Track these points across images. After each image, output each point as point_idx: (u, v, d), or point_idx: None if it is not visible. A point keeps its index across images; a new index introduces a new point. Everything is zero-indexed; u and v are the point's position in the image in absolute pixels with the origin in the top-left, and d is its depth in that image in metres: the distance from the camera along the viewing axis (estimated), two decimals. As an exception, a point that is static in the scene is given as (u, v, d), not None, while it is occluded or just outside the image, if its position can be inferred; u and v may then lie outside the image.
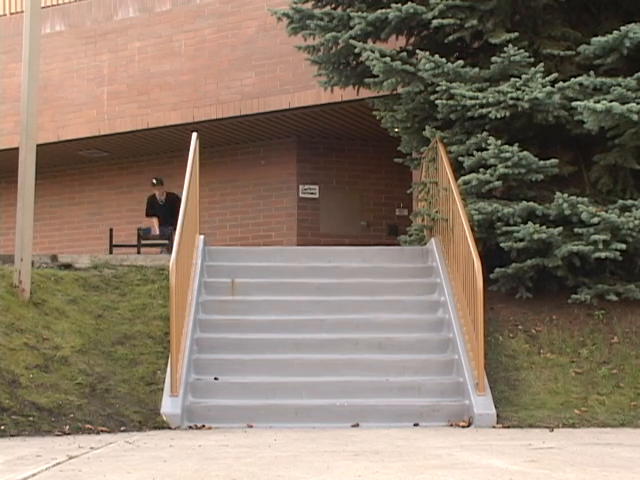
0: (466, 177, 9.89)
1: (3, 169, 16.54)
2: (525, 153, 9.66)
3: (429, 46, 10.67)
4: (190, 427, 7.80)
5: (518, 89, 9.72)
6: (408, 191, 12.37)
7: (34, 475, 5.01)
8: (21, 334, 8.47)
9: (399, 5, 10.35)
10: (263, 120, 14.88)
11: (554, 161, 9.76)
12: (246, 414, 7.98)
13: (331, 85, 11.73)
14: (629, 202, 9.50)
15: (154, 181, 14.60)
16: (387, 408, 8.12)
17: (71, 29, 16.33)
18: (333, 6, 11.57)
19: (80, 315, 9.21)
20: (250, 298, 9.59)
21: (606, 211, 9.34)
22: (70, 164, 17.61)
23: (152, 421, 7.70)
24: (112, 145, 16.49)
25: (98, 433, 7.23)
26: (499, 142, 9.72)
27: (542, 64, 9.85)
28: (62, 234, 17.87)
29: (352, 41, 10.60)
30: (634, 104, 9.11)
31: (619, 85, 9.43)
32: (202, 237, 10.40)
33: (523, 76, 9.76)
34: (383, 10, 10.49)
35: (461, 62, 10.10)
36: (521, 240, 9.49)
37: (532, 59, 9.95)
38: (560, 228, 9.37)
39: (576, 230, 9.39)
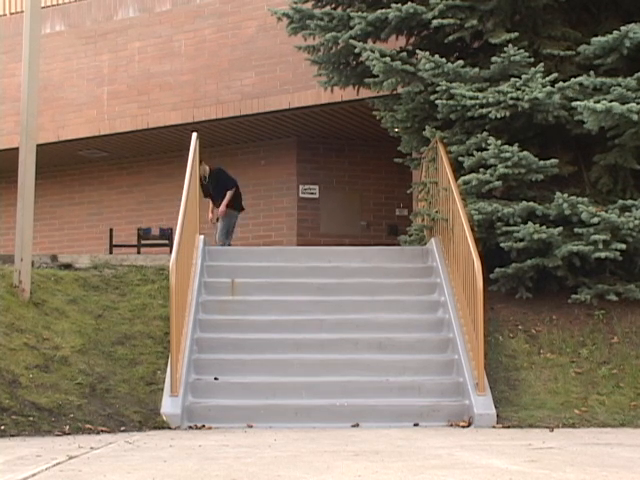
0: (466, 177, 9.89)
1: (3, 169, 16.55)
2: (525, 153, 9.66)
3: (429, 46, 10.67)
4: (190, 427, 7.80)
5: (518, 89, 9.73)
6: (408, 191, 12.37)
7: (34, 475, 5.01)
8: (21, 334, 8.47)
9: (399, 5, 10.35)
10: (263, 120, 14.89)
11: (554, 161, 9.76)
12: (246, 414, 7.98)
13: (331, 85, 11.74)
14: (629, 202, 9.50)
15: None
16: (387, 408, 8.12)
17: (71, 29, 16.33)
18: (333, 6, 11.58)
19: (80, 315, 9.21)
20: (250, 298, 9.59)
21: (606, 211, 9.34)
22: (70, 164, 17.62)
23: (152, 421, 7.70)
24: (112, 145, 16.49)
25: (98, 433, 7.23)
26: (499, 142, 9.73)
27: (542, 64, 9.85)
28: (62, 234, 17.88)
29: (352, 41, 10.60)
30: (634, 104, 9.11)
31: (619, 85, 9.43)
32: (202, 237, 10.40)
33: (523, 76, 9.76)
34: (383, 10, 10.49)
35: (461, 62, 10.10)
36: (521, 240, 9.49)
37: (532, 59, 9.95)
38: (560, 228, 9.37)
39: (576, 230, 9.40)
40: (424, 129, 10.62)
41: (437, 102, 10.11)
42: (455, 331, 8.92)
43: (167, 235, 14.20)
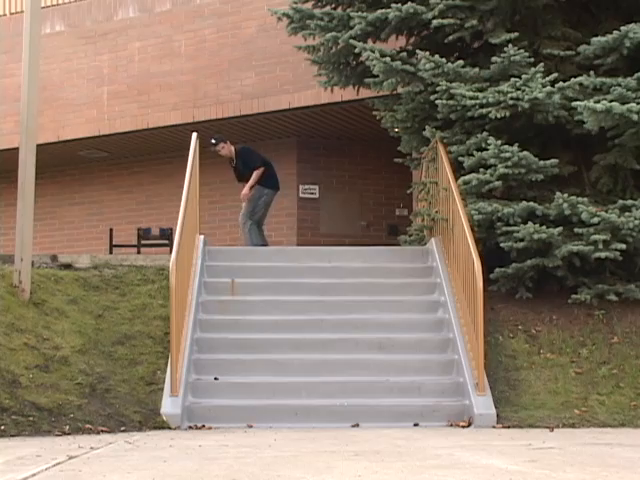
0: (466, 177, 9.89)
1: (3, 169, 16.54)
2: (525, 153, 9.66)
3: (429, 46, 10.66)
4: (190, 427, 7.80)
5: (518, 89, 9.72)
6: (408, 191, 12.37)
7: (34, 475, 5.01)
8: (21, 334, 8.47)
9: (399, 5, 10.34)
10: (263, 120, 14.88)
11: (554, 161, 9.76)
12: (246, 414, 7.98)
13: (331, 85, 11.73)
14: (629, 202, 9.50)
15: (212, 141, 12.51)
16: (387, 408, 8.12)
17: (71, 29, 16.33)
18: (333, 6, 11.57)
19: (80, 315, 9.21)
20: (250, 298, 9.59)
21: (606, 211, 9.34)
22: (70, 164, 17.61)
23: (152, 421, 7.70)
24: (112, 145, 16.49)
25: (98, 433, 7.23)
26: (499, 142, 9.72)
27: (542, 64, 9.85)
28: (62, 234, 17.87)
29: (352, 41, 10.60)
30: (634, 104, 9.11)
31: (619, 85, 9.43)
32: (202, 237, 10.40)
33: (523, 76, 9.75)
34: (383, 10, 10.49)
35: (461, 62, 10.10)
36: (521, 240, 9.49)
37: (532, 59, 9.95)
38: (560, 228, 9.37)
39: (576, 230, 9.39)
40: (424, 129, 10.62)
41: (437, 102, 10.11)
42: (455, 331, 8.92)
43: (167, 235, 14.19)
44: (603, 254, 9.22)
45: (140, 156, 17.10)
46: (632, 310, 9.51)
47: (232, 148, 12.58)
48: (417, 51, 10.39)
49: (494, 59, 9.99)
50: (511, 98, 9.68)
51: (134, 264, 10.60)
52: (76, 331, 8.88)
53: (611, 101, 9.19)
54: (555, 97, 9.58)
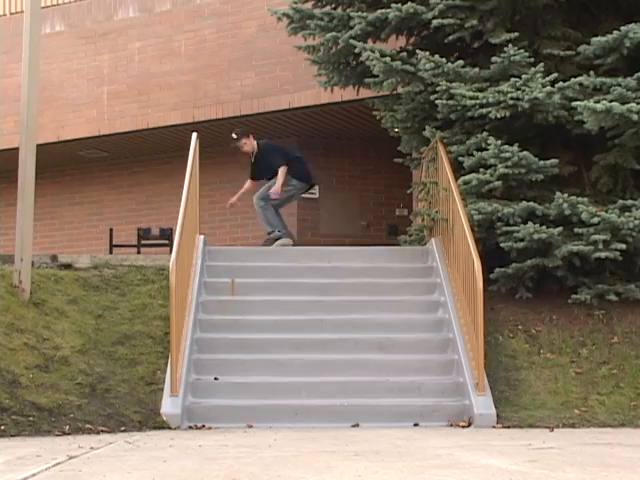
0: (466, 177, 9.89)
1: (3, 169, 16.54)
2: (525, 153, 9.66)
3: (429, 46, 10.66)
4: (190, 427, 7.80)
5: (518, 89, 9.72)
6: (408, 191, 12.37)
7: (34, 475, 5.01)
8: (21, 334, 8.47)
9: (399, 5, 10.34)
10: (263, 120, 14.88)
11: (554, 161, 9.76)
12: (246, 414, 7.98)
13: (331, 85, 11.73)
14: (629, 202, 9.50)
15: (233, 136, 11.90)
16: (387, 408, 8.12)
17: (71, 29, 16.32)
18: (333, 6, 11.57)
19: (80, 315, 9.21)
20: (250, 298, 9.59)
21: (606, 211, 9.34)
22: (70, 164, 17.60)
23: (152, 421, 7.70)
24: (112, 145, 16.48)
25: (98, 433, 7.22)
26: (499, 142, 9.72)
27: (542, 64, 9.85)
28: (62, 234, 17.86)
29: (352, 41, 10.59)
30: (634, 104, 9.11)
31: (619, 85, 9.43)
32: (202, 237, 10.40)
33: (523, 76, 9.75)
34: (383, 10, 10.48)
35: (461, 62, 10.10)
36: (521, 240, 9.49)
37: (532, 59, 9.95)
38: (560, 228, 9.37)
39: (576, 230, 9.40)
40: (424, 129, 10.62)
41: (437, 102, 10.11)
42: (455, 331, 8.92)
43: (167, 235, 14.18)
44: (603, 254, 9.22)
45: (140, 156, 17.09)
46: (632, 310, 9.51)
47: (255, 143, 12.05)
48: (417, 51, 10.38)
49: (494, 59, 9.99)
50: (511, 98, 9.68)
51: (134, 264, 10.60)
52: (76, 331, 8.88)
53: (611, 101, 9.19)
54: (555, 97, 9.58)
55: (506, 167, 9.64)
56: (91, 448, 6.24)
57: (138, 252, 13.99)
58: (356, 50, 10.62)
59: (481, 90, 9.95)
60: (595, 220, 9.22)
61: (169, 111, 15.25)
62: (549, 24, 10.46)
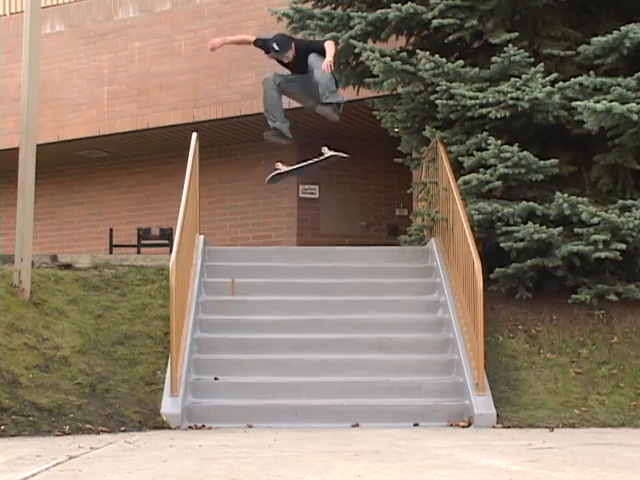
0: (466, 177, 9.89)
1: (3, 169, 16.54)
2: (525, 153, 9.66)
3: (429, 46, 10.66)
4: (190, 427, 7.80)
5: (518, 89, 9.72)
6: (408, 191, 12.37)
7: (34, 475, 5.01)
8: (21, 334, 8.47)
9: (399, 5, 10.34)
10: (263, 120, 14.81)
11: (554, 161, 9.76)
12: (246, 414, 7.98)
13: (331, 85, 11.71)
14: (629, 202, 9.50)
15: (275, 47, 9.66)
16: (387, 408, 8.12)
17: (71, 29, 16.32)
18: (333, 6, 11.57)
19: (80, 315, 9.21)
20: (250, 298, 9.59)
21: (606, 211, 9.34)
22: (70, 164, 17.61)
23: (152, 421, 7.70)
24: (112, 145, 16.48)
25: (98, 433, 7.23)
26: (499, 142, 9.72)
27: (542, 64, 9.85)
28: (62, 234, 17.87)
29: (352, 41, 10.59)
30: (634, 104, 9.11)
31: (619, 85, 9.43)
32: (202, 237, 10.40)
33: (523, 76, 9.75)
34: (383, 10, 10.48)
35: (461, 62, 10.10)
36: (521, 240, 9.49)
37: (532, 59, 9.95)
38: (560, 228, 9.37)
39: (576, 230, 9.39)
40: (424, 129, 10.62)
41: (437, 102, 10.11)
42: (455, 331, 8.92)
43: (167, 235, 14.19)
44: (603, 254, 9.22)
45: (140, 156, 17.10)
46: (632, 310, 9.51)
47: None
48: (417, 51, 10.38)
49: (494, 59, 9.99)
50: (511, 98, 9.68)
51: (134, 264, 10.60)
52: (76, 331, 8.87)
53: (611, 101, 9.19)
54: (555, 97, 9.58)
55: (506, 167, 9.64)
56: (91, 448, 6.24)
57: (138, 252, 13.99)
58: (356, 50, 10.61)
59: (481, 90, 9.95)
60: (595, 220, 9.22)
61: (169, 111, 15.25)
62: (549, 24, 10.46)
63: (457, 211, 9.40)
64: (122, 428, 7.43)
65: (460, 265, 9.27)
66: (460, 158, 10.14)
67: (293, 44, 9.70)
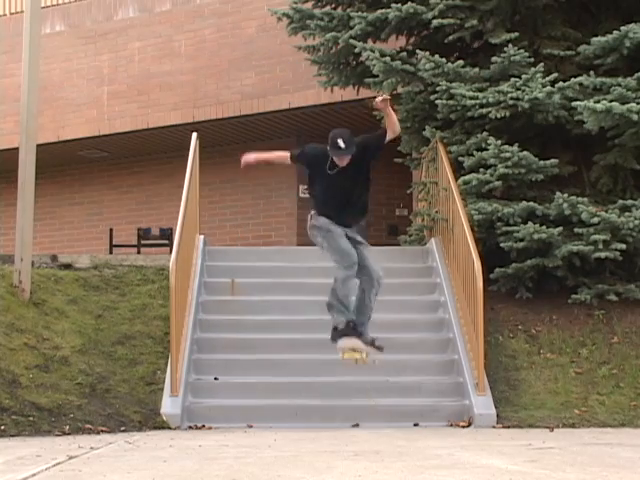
0: (466, 177, 9.89)
1: (3, 169, 16.54)
2: (525, 153, 9.66)
3: (429, 46, 10.67)
4: (190, 427, 7.80)
5: (518, 89, 9.73)
6: (408, 191, 12.37)
7: (34, 475, 5.01)
8: (21, 334, 8.47)
9: (399, 5, 10.35)
10: (263, 120, 14.87)
11: (554, 161, 9.76)
12: (246, 414, 7.98)
13: (331, 85, 11.73)
14: (629, 202, 9.50)
15: (341, 145, 7.20)
16: (387, 408, 8.12)
17: (71, 29, 16.32)
18: (333, 6, 11.57)
19: (80, 315, 9.21)
20: (250, 298, 9.59)
21: (606, 211, 9.34)
22: (70, 164, 17.60)
23: (152, 421, 7.70)
24: (112, 145, 16.48)
25: (98, 433, 7.23)
26: (499, 142, 9.73)
27: (542, 64, 9.85)
28: (62, 234, 17.86)
29: (352, 41, 10.60)
30: (634, 104, 9.11)
31: (619, 85, 9.43)
32: (202, 237, 10.40)
33: (523, 76, 9.76)
34: (383, 10, 10.49)
35: (461, 62, 10.10)
36: (521, 240, 9.49)
37: (532, 59, 9.95)
38: (560, 228, 9.37)
39: (576, 230, 9.40)
40: (424, 129, 10.62)
41: (437, 102, 10.11)
42: (455, 331, 8.92)
43: (167, 235, 14.18)
44: (603, 254, 9.22)
45: (140, 156, 17.09)
46: (632, 310, 9.51)
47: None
48: (417, 51, 10.39)
49: (494, 59, 9.99)
50: (511, 98, 9.68)
51: (134, 264, 10.60)
52: (76, 331, 8.87)
53: (611, 101, 9.19)
54: (555, 97, 9.58)
55: (506, 167, 9.65)
56: (91, 448, 6.24)
57: (138, 252, 13.98)
58: (356, 50, 10.62)
59: (481, 90, 9.95)
60: (595, 220, 9.22)
61: (169, 111, 15.25)
62: (549, 24, 10.46)
63: (457, 211, 9.40)
64: (122, 428, 7.43)
65: (460, 265, 9.27)
66: (460, 158, 10.14)
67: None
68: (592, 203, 9.56)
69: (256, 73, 14.59)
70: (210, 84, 14.96)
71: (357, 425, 7.92)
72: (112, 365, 8.44)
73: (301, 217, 15.62)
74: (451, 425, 7.95)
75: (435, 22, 10.20)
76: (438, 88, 10.06)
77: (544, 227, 9.37)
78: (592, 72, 9.76)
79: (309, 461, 5.53)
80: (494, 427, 7.80)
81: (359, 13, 10.73)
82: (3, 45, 15.66)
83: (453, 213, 9.73)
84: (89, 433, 7.21)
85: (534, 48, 10.30)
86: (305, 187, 15.77)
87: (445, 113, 10.20)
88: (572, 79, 9.71)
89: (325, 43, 11.19)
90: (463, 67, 10.08)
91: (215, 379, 8.41)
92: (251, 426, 7.85)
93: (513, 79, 9.82)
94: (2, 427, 7.06)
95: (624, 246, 9.28)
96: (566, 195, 9.44)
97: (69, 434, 7.12)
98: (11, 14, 16.79)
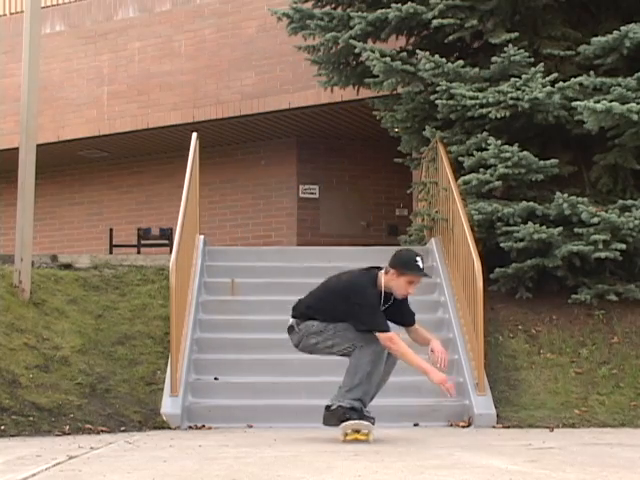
0: (466, 177, 9.89)
1: (3, 169, 16.54)
2: (525, 153, 9.66)
3: (429, 46, 10.67)
4: (190, 427, 7.80)
5: (518, 89, 9.73)
6: (408, 191, 12.37)
7: (34, 475, 5.01)
8: (21, 334, 8.47)
9: (399, 5, 10.34)
10: (263, 120, 14.88)
11: (554, 161, 9.76)
12: (246, 414, 7.98)
13: (331, 85, 11.73)
14: (629, 202, 9.50)
15: (421, 264, 6.64)
16: (387, 408, 8.10)
17: (71, 29, 16.32)
18: (333, 6, 11.57)
19: (80, 315, 9.21)
20: (250, 298, 9.59)
21: (606, 211, 9.34)
22: (70, 164, 17.61)
23: (152, 421, 7.69)
24: (112, 145, 16.48)
25: (98, 433, 7.22)
26: (499, 142, 9.73)
27: (542, 64, 9.85)
28: (62, 234, 17.87)
29: (352, 41, 10.60)
30: (634, 104, 9.11)
31: (619, 85, 9.43)
32: (202, 237, 10.40)
33: (523, 76, 9.76)
34: (383, 10, 10.48)
35: (461, 62, 10.10)
36: (521, 240, 9.49)
37: (532, 59, 9.95)
38: (560, 228, 9.37)
39: (576, 230, 9.40)
40: (424, 129, 10.62)
41: (437, 102, 10.11)
42: (455, 331, 8.91)
43: (167, 235, 14.19)
44: (603, 254, 9.22)
45: (140, 156, 17.10)
46: (632, 310, 9.50)
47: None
48: (417, 51, 10.39)
49: (494, 59, 9.99)
50: (511, 98, 9.68)
51: (134, 264, 10.60)
52: (76, 331, 8.87)
53: (611, 101, 9.19)
54: (555, 97, 9.58)
55: (506, 167, 9.65)
56: (91, 448, 6.24)
57: (138, 252, 13.98)
58: (356, 50, 10.62)
59: (481, 90, 9.95)
60: (595, 220, 9.22)
61: (169, 111, 15.25)
62: (549, 24, 10.46)
63: (457, 211, 9.40)
64: (122, 428, 7.43)
65: (460, 265, 9.27)
66: (460, 158, 10.14)
67: None
68: (592, 203, 9.56)
69: (256, 73, 14.60)
70: (210, 84, 14.97)
71: (357, 425, 7.91)
72: (112, 365, 8.44)
73: (301, 217, 15.63)
74: (451, 425, 7.95)
75: (435, 22, 10.20)
76: (438, 88, 10.06)
77: (544, 227, 9.37)
78: (592, 72, 9.76)
79: (309, 461, 5.53)
80: (494, 427, 7.80)
81: (359, 13, 10.73)
82: (3, 45, 15.66)
83: (453, 213, 9.73)
84: (89, 433, 7.21)
85: (534, 48, 10.30)
86: (305, 187, 15.80)
87: (445, 113, 10.20)
88: (572, 79, 9.71)
89: (325, 43, 11.19)
90: (463, 67, 10.08)
91: (215, 379, 8.41)
92: (251, 426, 7.85)
93: (513, 79, 9.82)
94: (2, 427, 7.05)
95: (624, 246, 9.28)
96: (566, 195, 9.44)
97: (69, 434, 7.12)
98: (11, 14, 16.80)
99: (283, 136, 15.71)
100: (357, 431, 6.66)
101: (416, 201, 12.27)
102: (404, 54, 10.62)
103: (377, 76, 10.54)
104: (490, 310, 9.41)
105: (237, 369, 8.55)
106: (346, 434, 6.66)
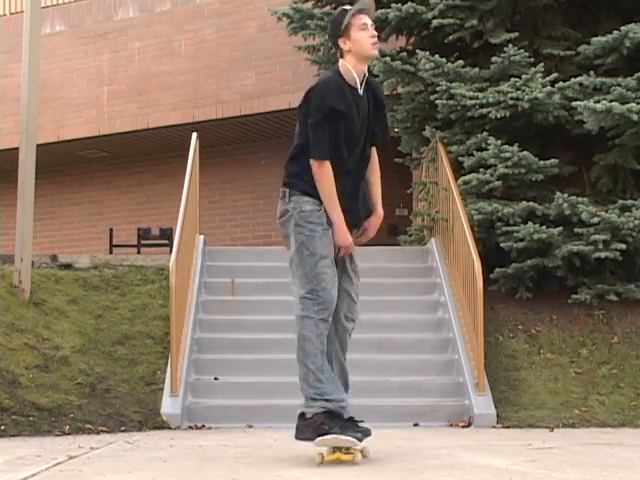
0: (466, 177, 9.89)
1: (3, 169, 16.54)
2: (525, 153, 9.66)
3: (429, 46, 10.67)
4: (190, 427, 7.80)
5: (518, 89, 9.73)
6: (408, 191, 12.37)
7: (34, 475, 5.00)
8: (21, 334, 8.47)
9: (399, 5, 10.34)
10: (263, 120, 14.88)
11: (554, 161, 9.76)
12: (246, 414, 7.97)
13: (331, 85, 11.71)
14: (629, 202, 9.50)
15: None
16: (387, 408, 8.11)
17: (71, 29, 16.33)
18: (333, 6, 11.57)
19: (80, 315, 9.21)
20: (250, 298, 9.59)
21: (606, 211, 9.34)
22: (70, 164, 17.61)
23: (152, 421, 7.69)
24: (112, 145, 16.49)
25: (98, 433, 7.22)
26: (499, 142, 9.73)
27: (542, 64, 9.85)
28: (62, 234, 17.87)
29: (352, 41, 10.58)
30: (634, 104, 9.11)
31: (619, 85, 9.43)
32: (202, 237, 10.40)
33: (523, 76, 9.76)
34: (383, 10, 10.48)
35: (461, 62, 10.10)
36: (521, 240, 9.49)
37: (532, 59, 9.95)
38: (560, 228, 9.37)
39: (576, 230, 9.39)
40: (424, 129, 10.62)
41: (437, 102, 10.11)
42: (455, 331, 8.91)
43: (167, 235, 14.19)
44: (603, 254, 9.22)
45: (140, 156, 17.10)
46: (632, 310, 9.50)
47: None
48: (417, 51, 10.39)
49: (494, 59, 9.99)
50: (511, 98, 9.68)
51: (134, 264, 10.60)
52: (76, 331, 8.87)
53: (611, 101, 9.19)
54: (555, 97, 9.58)
55: (506, 167, 9.65)
56: (91, 448, 6.24)
57: (138, 252, 13.98)
58: (356, 50, 10.60)
59: (481, 90, 9.95)
60: (595, 220, 9.22)
61: (169, 111, 15.25)
62: (549, 24, 10.46)
63: (457, 211, 9.40)
64: (122, 428, 7.43)
65: (460, 265, 9.27)
66: (460, 158, 10.14)
67: None
68: (592, 203, 9.56)
69: (256, 73, 14.60)
70: (210, 84, 14.97)
71: (357, 425, 7.90)
72: (112, 365, 8.44)
73: (301, 217, 15.60)
74: (451, 425, 7.94)
75: (435, 22, 10.20)
76: (438, 88, 10.06)
77: (544, 227, 9.37)
78: (592, 72, 9.76)
79: (309, 461, 5.52)
80: (494, 427, 7.80)
81: (359, 13, 10.71)
82: (3, 45, 15.66)
83: (453, 213, 9.73)
84: (89, 433, 7.21)
85: (534, 48, 10.30)
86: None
87: (445, 113, 10.20)
88: (572, 79, 9.71)
89: (325, 43, 11.19)
90: (463, 67, 10.08)
91: (215, 379, 8.41)
92: (251, 426, 7.85)
93: (513, 79, 9.82)
94: (2, 427, 7.05)
95: (624, 246, 9.27)
96: (566, 195, 9.44)
97: (69, 434, 7.11)
98: (11, 14, 16.80)
99: (283, 136, 15.69)
100: (339, 449, 5.20)
101: (416, 201, 12.27)
102: (404, 54, 10.63)
103: (377, 76, 10.53)
104: (490, 310, 9.41)
105: (237, 369, 8.55)
106: (322, 455, 5.17)
